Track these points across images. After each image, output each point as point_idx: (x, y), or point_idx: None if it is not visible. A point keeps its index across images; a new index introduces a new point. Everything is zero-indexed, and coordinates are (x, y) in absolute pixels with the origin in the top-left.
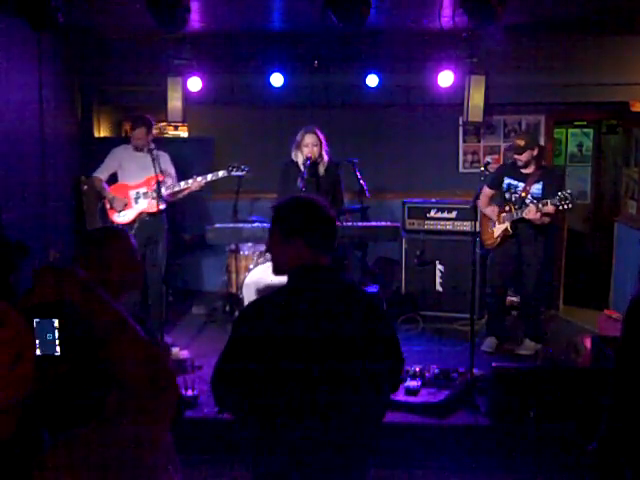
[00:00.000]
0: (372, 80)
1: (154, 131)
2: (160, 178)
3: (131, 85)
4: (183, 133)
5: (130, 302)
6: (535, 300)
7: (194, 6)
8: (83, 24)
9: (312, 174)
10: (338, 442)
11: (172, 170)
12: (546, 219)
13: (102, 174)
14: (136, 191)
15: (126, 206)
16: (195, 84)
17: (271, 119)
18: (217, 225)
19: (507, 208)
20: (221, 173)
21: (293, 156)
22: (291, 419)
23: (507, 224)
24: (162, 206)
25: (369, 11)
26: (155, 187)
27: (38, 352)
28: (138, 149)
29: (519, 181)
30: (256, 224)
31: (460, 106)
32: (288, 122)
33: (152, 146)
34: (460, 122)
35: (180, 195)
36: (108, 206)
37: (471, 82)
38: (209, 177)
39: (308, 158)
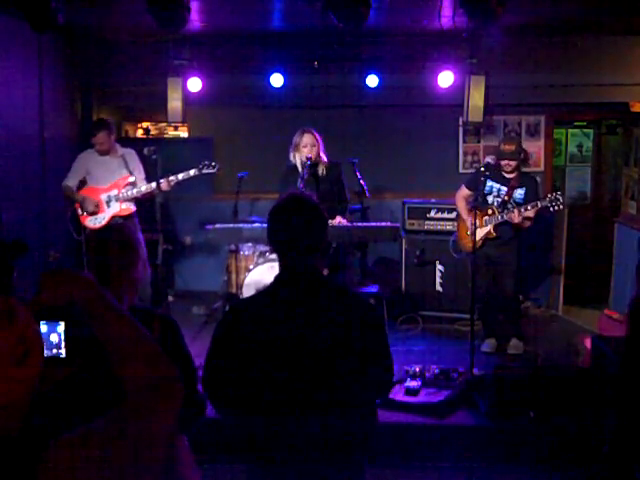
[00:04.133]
0: (372, 80)
1: (153, 131)
2: (129, 180)
3: (131, 85)
4: (183, 133)
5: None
6: (515, 300)
7: (194, 6)
8: (83, 24)
9: (312, 174)
10: (324, 443)
11: (141, 168)
12: (527, 223)
13: (71, 181)
14: (107, 194)
15: (98, 210)
16: (195, 84)
17: (271, 119)
18: (217, 225)
19: (490, 212)
20: (192, 172)
21: (291, 158)
22: (276, 420)
23: (490, 227)
24: (133, 208)
25: (369, 11)
26: (126, 189)
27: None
28: (104, 153)
29: (501, 185)
30: (256, 224)
31: (460, 106)
32: (288, 122)
33: (118, 148)
34: (460, 122)
35: (153, 194)
36: (80, 212)
37: (471, 82)
38: (180, 176)
39: (308, 158)
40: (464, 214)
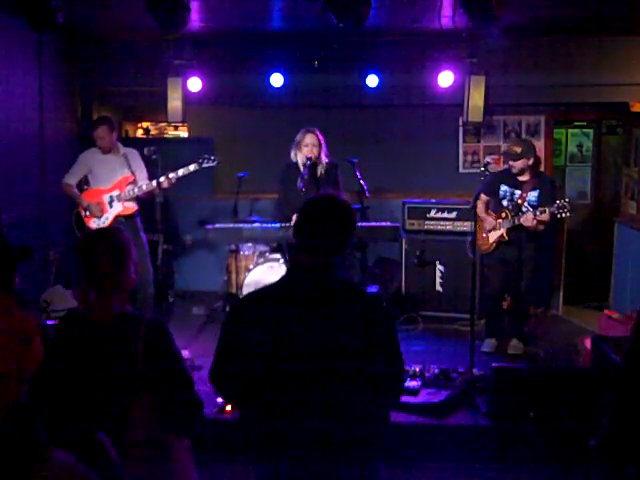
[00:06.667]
0: (372, 80)
1: (153, 131)
2: (131, 179)
3: (131, 85)
4: (183, 133)
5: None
6: (525, 303)
7: (194, 6)
8: (83, 24)
9: (312, 174)
10: (332, 440)
11: (143, 167)
12: (541, 226)
13: (71, 179)
14: (109, 195)
15: (102, 211)
16: (195, 84)
17: (271, 119)
18: (217, 225)
19: (503, 215)
20: (192, 167)
21: (292, 156)
22: (283, 413)
23: (503, 230)
24: (136, 207)
25: (369, 11)
26: (128, 188)
27: None
28: (106, 151)
29: (515, 188)
30: (256, 224)
31: (460, 106)
32: (288, 122)
33: (120, 147)
34: (460, 122)
35: (154, 193)
36: (83, 213)
37: (471, 82)
38: (180, 172)
39: (308, 158)
40: (481, 213)
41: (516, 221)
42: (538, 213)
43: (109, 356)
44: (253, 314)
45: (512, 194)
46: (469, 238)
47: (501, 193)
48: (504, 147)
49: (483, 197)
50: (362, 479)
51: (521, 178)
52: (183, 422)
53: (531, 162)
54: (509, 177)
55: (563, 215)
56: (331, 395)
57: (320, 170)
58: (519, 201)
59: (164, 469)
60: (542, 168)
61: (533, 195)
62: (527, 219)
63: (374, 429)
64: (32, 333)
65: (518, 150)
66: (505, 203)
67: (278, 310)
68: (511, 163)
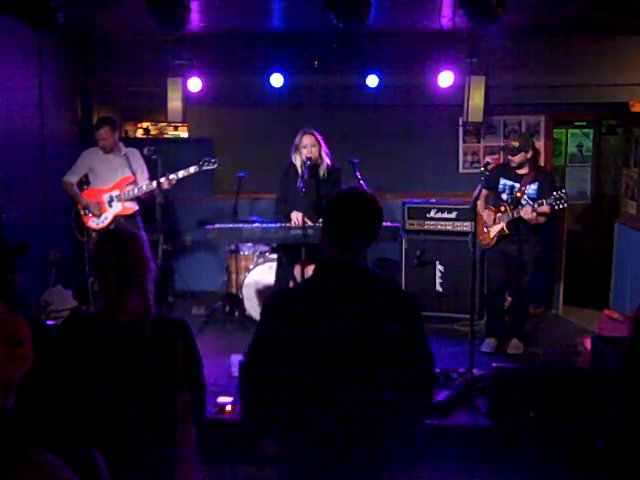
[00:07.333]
0: (372, 80)
1: (153, 131)
2: (132, 179)
3: (131, 85)
4: (183, 133)
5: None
6: (526, 300)
7: (194, 6)
8: (83, 24)
9: (312, 175)
10: (358, 438)
11: (144, 167)
12: (541, 219)
13: (72, 178)
14: (109, 194)
15: (101, 210)
16: (195, 84)
17: (271, 119)
18: (217, 225)
19: (503, 208)
20: (192, 169)
21: (293, 159)
22: (312, 413)
23: (503, 224)
24: (136, 207)
25: (369, 11)
26: (128, 189)
27: None
28: (107, 151)
29: (514, 182)
30: (256, 224)
31: (460, 106)
32: (288, 122)
33: (122, 147)
34: (460, 122)
35: (154, 193)
36: (82, 212)
37: (471, 82)
38: (180, 174)
39: (308, 159)
40: (480, 210)
41: (515, 214)
42: (536, 206)
43: (151, 357)
44: (287, 312)
45: (511, 188)
46: (470, 236)
47: (500, 187)
48: (504, 143)
49: (483, 192)
50: None
51: (520, 172)
52: (197, 421)
53: (529, 155)
54: (508, 171)
55: (560, 206)
56: (364, 394)
57: (322, 172)
58: (518, 194)
59: (180, 469)
60: (542, 162)
61: (532, 188)
62: (526, 212)
63: (407, 431)
64: (21, 335)
65: (516, 144)
66: (504, 197)
67: (312, 308)
68: (510, 157)
